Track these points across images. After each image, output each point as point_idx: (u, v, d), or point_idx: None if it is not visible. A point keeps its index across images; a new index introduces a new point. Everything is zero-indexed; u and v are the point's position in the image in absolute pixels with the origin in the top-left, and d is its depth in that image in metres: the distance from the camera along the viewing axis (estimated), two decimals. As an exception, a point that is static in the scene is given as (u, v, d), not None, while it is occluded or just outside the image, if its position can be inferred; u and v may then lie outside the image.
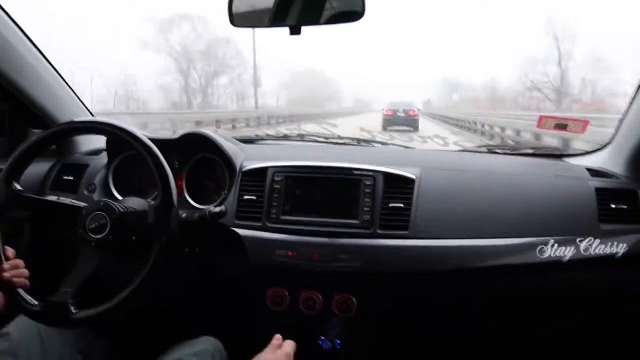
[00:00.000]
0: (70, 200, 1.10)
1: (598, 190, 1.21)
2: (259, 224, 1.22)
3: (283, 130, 1.83)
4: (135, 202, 1.08)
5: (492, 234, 1.17)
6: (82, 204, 1.05)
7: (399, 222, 1.19)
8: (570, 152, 1.53)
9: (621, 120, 1.36)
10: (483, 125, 11.44)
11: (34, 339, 1.01)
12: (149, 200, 1.13)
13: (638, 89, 1.27)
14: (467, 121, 13.47)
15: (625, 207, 1.18)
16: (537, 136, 6.86)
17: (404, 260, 1.17)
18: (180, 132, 1.39)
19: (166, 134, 1.45)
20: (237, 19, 1.16)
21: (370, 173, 1.22)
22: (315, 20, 1.09)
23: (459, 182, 1.27)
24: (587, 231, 1.15)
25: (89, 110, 1.61)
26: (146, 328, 1.42)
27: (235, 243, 1.21)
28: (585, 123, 1.52)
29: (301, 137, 1.67)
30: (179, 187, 1.06)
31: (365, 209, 1.20)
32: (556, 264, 1.14)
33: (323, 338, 1.25)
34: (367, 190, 1.21)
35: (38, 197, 1.12)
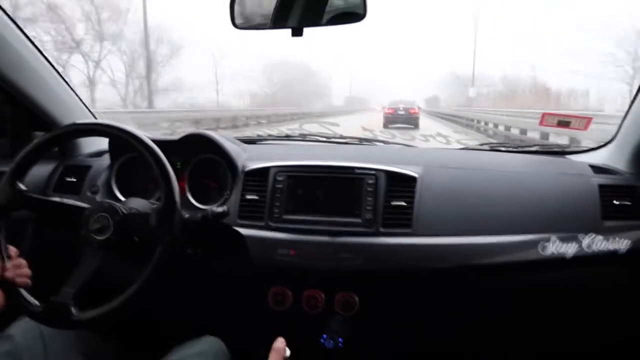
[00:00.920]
0: (74, 201, 1.10)
1: (601, 187, 1.21)
2: (262, 223, 1.23)
3: (285, 130, 1.83)
4: (138, 203, 1.08)
5: (495, 231, 1.17)
6: (85, 205, 1.05)
7: (402, 221, 1.19)
8: (573, 149, 1.53)
9: (624, 117, 1.36)
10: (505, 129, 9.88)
11: (36, 341, 1.01)
12: (151, 201, 1.13)
13: None
14: (483, 121, 12.28)
15: (629, 203, 1.18)
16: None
17: (406, 259, 1.17)
18: (182, 133, 1.40)
19: (168, 135, 1.45)
20: (239, 22, 1.17)
21: (373, 172, 1.22)
22: (317, 22, 1.09)
23: (461, 180, 1.27)
24: (590, 228, 1.15)
25: (91, 112, 1.62)
26: (149, 329, 1.43)
27: (238, 243, 1.22)
28: (588, 120, 1.52)
29: (303, 137, 1.68)
30: (181, 188, 1.06)
31: (367, 207, 1.20)
32: (559, 261, 1.14)
33: (325, 337, 1.25)
34: (369, 189, 1.21)
35: (42, 197, 1.13)
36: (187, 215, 1.11)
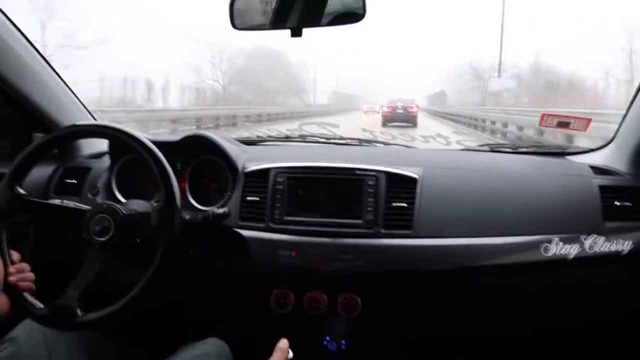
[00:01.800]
0: (74, 203, 1.10)
1: (602, 187, 1.21)
2: (263, 225, 1.23)
3: (284, 130, 1.83)
4: (138, 205, 1.08)
5: (496, 232, 1.17)
6: (86, 207, 1.05)
7: (402, 222, 1.19)
8: (573, 150, 1.53)
9: (624, 117, 1.36)
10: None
11: (41, 344, 1.01)
12: (152, 202, 1.13)
13: None
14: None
15: (630, 204, 1.18)
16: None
17: (407, 260, 1.17)
18: (182, 135, 1.40)
19: (168, 136, 1.45)
20: (239, 22, 1.17)
21: (373, 173, 1.22)
22: (316, 22, 1.09)
23: (462, 181, 1.27)
24: (592, 229, 1.15)
25: (91, 114, 1.62)
26: (152, 330, 1.43)
27: (238, 244, 1.22)
28: (587, 121, 1.52)
29: (303, 138, 1.67)
30: (181, 189, 1.06)
31: (368, 209, 1.20)
32: (562, 262, 1.13)
33: (328, 339, 1.25)
34: (370, 190, 1.21)
35: (42, 200, 1.13)
36: (187, 217, 1.11)
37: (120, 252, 1.02)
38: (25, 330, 1.01)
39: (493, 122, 11.49)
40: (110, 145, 1.41)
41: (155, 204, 1.07)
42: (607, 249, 1.13)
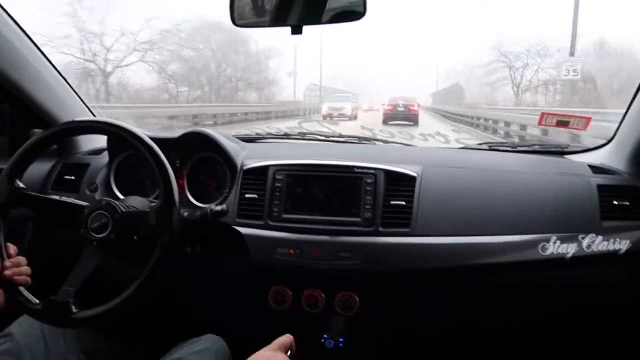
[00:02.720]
0: (72, 199, 1.10)
1: (600, 187, 1.21)
2: (261, 222, 1.23)
3: (284, 128, 1.83)
4: (136, 202, 1.08)
5: (494, 231, 1.17)
6: (84, 203, 1.05)
7: (401, 220, 1.19)
8: (572, 149, 1.53)
9: (623, 117, 1.36)
10: None
11: (38, 340, 1.01)
12: (150, 199, 1.13)
13: None
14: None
15: (628, 203, 1.18)
16: None
17: (405, 258, 1.17)
18: (181, 131, 1.40)
19: (167, 133, 1.45)
20: (239, 19, 1.16)
21: (372, 171, 1.22)
22: (316, 20, 1.09)
23: (461, 179, 1.27)
24: (590, 228, 1.15)
25: (90, 110, 1.61)
26: (150, 327, 1.43)
27: (237, 241, 1.22)
28: (587, 120, 1.52)
29: (302, 136, 1.67)
30: (180, 186, 1.06)
31: (366, 206, 1.20)
32: (559, 261, 1.14)
33: (326, 336, 1.25)
34: (368, 188, 1.21)
35: (40, 195, 1.13)
36: (185, 214, 1.11)
37: (118, 249, 1.02)
38: (22, 327, 1.02)
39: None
40: (109, 142, 1.41)
41: (153, 201, 1.07)
42: (604, 248, 1.13)
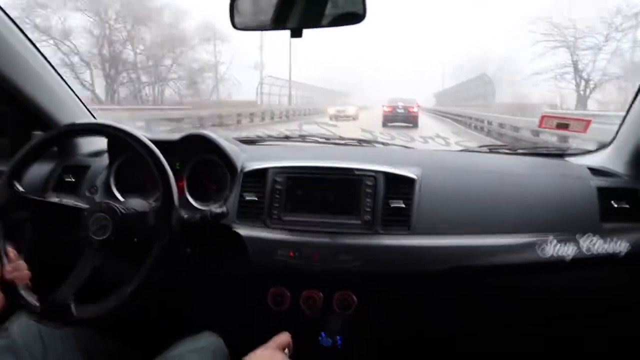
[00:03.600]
0: (73, 201, 1.10)
1: (599, 189, 1.21)
2: (261, 224, 1.23)
3: (284, 130, 1.84)
4: (136, 203, 1.08)
5: (493, 233, 1.17)
6: (84, 205, 1.06)
7: (400, 222, 1.19)
8: (572, 151, 1.53)
9: (623, 120, 1.36)
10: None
11: (35, 339, 1.01)
12: (150, 201, 1.13)
13: None
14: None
15: (628, 206, 1.18)
16: None
17: (405, 260, 1.17)
18: (181, 134, 1.40)
19: (167, 135, 1.45)
20: (239, 22, 1.17)
21: (372, 173, 1.22)
22: (316, 23, 1.10)
23: (460, 181, 1.27)
24: (589, 230, 1.15)
25: (90, 112, 1.62)
26: (148, 327, 1.43)
27: (236, 243, 1.22)
28: (587, 122, 1.52)
29: (302, 138, 1.68)
30: (180, 188, 1.07)
31: (366, 209, 1.20)
32: (559, 263, 1.14)
33: (324, 334, 1.25)
34: (368, 190, 1.21)
35: (40, 198, 1.13)
36: (185, 216, 1.11)
37: (118, 251, 1.03)
38: (19, 326, 1.02)
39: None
40: (109, 144, 1.41)
41: (153, 203, 1.07)
42: (603, 250, 1.13)
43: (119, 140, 1.06)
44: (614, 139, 1.39)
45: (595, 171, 1.30)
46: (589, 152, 1.50)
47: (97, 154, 1.52)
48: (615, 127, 1.38)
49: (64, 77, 1.52)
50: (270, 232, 1.22)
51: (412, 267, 1.17)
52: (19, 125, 1.50)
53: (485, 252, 1.16)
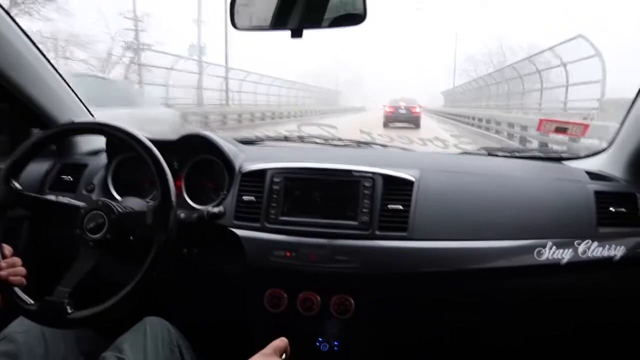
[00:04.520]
0: (69, 199, 1.10)
1: (597, 193, 1.21)
2: (258, 224, 1.23)
3: (283, 131, 1.83)
4: (134, 203, 1.08)
5: (491, 236, 1.17)
6: (81, 203, 1.05)
7: (398, 224, 1.19)
8: (570, 155, 1.53)
9: (621, 124, 1.36)
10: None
11: (38, 342, 1.01)
12: (147, 200, 1.13)
13: (638, 93, 1.28)
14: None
15: (624, 210, 1.18)
16: None
17: (402, 262, 1.17)
18: (180, 134, 1.40)
19: (167, 135, 1.45)
20: (239, 22, 1.17)
21: (370, 175, 1.22)
22: (317, 24, 1.10)
23: (458, 184, 1.27)
24: (586, 234, 1.15)
25: (89, 111, 1.61)
26: None
27: (233, 244, 1.22)
28: (585, 127, 1.53)
29: (301, 139, 1.68)
30: (178, 188, 1.06)
31: (364, 210, 1.20)
32: (554, 267, 1.14)
33: (321, 339, 1.25)
34: (366, 192, 1.21)
35: (37, 195, 1.13)
36: (182, 215, 1.11)
37: (114, 250, 1.02)
38: (22, 328, 1.01)
39: None
40: (108, 143, 1.41)
41: (150, 202, 1.07)
42: (600, 254, 1.13)
43: (118, 139, 1.06)
44: (612, 143, 1.40)
45: (593, 175, 1.30)
46: (587, 156, 1.50)
47: (95, 152, 1.52)
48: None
49: (62, 75, 1.52)
50: (267, 232, 1.22)
51: (408, 269, 1.17)
52: (17, 123, 1.50)
53: (481, 255, 1.16)
